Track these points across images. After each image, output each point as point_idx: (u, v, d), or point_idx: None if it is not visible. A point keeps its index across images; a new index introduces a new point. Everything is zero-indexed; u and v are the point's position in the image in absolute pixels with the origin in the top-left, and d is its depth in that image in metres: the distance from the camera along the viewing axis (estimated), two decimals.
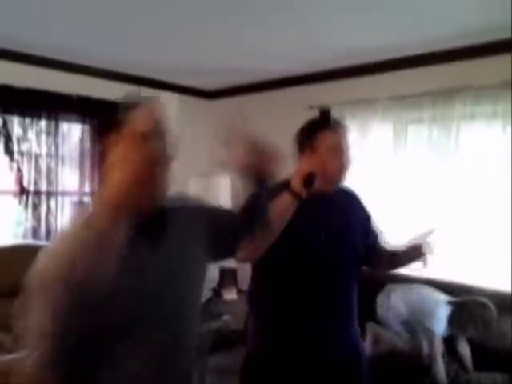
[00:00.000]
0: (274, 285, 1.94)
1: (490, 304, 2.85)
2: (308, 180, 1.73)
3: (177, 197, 1.49)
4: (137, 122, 1.27)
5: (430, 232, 2.05)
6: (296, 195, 1.72)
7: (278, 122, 4.51)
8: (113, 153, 1.20)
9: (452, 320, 2.88)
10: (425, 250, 2.02)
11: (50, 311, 1.13)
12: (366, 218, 2.10)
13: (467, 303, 2.90)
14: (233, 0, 2.75)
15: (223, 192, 4.40)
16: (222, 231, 1.53)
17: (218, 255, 1.60)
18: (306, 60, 3.88)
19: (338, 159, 1.88)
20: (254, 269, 2.02)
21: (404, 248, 2.06)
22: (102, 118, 1.38)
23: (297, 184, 1.73)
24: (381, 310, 3.18)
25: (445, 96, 3.40)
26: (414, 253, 2.04)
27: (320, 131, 1.91)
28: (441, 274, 3.26)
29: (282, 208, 1.70)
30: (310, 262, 1.86)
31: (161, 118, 1.31)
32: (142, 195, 1.16)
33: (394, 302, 3.12)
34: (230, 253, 1.64)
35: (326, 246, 1.87)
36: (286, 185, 1.78)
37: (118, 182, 1.15)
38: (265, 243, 1.69)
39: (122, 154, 1.18)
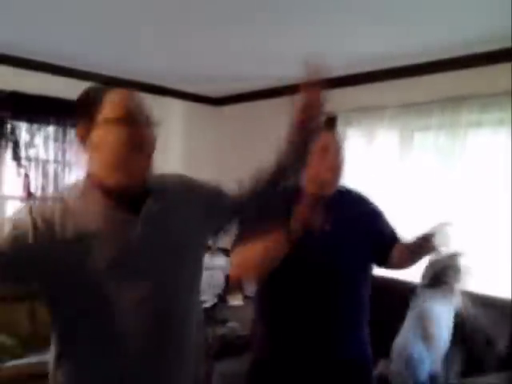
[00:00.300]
0: (277, 292, 1.94)
1: (460, 254, 2.87)
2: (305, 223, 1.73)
3: (170, 177, 1.51)
4: (110, 106, 1.29)
5: (446, 224, 1.97)
6: (291, 240, 1.72)
7: (285, 129, 4.52)
8: (90, 138, 1.30)
9: (424, 276, 2.91)
10: (438, 240, 1.94)
11: None
12: (375, 217, 2.07)
13: (437, 259, 2.88)
14: (240, 8, 2.76)
15: None
16: (217, 208, 1.55)
17: (215, 231, 1.62)
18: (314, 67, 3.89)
19: (328, 160, 1.89)
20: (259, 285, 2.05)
21: (416, 240, 1.98)
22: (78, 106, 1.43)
23: (294, 229, 1.71)
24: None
25: (452, 103, 3.39)
26: (427, 245, 1.96)
27: None
28: None
29: (274, 250, 1.74)
30: (309, 269, 1.86)
31: (135, 104, 1.33)
32: (120, 177, 1.27)
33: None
34: (224, 228, 1.65)
35: (325, 252, 1.87)
36: (297, 190, 1.86)
37: (96, 165, 1.30)
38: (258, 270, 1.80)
39: (98, 139, 1.28)
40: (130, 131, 1.27)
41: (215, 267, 4.15)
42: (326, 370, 1.89)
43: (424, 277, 2.96)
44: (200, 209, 1.47)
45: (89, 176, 1.34)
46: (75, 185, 1.37)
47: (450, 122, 3.42)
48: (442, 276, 2.92)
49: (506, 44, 3.09)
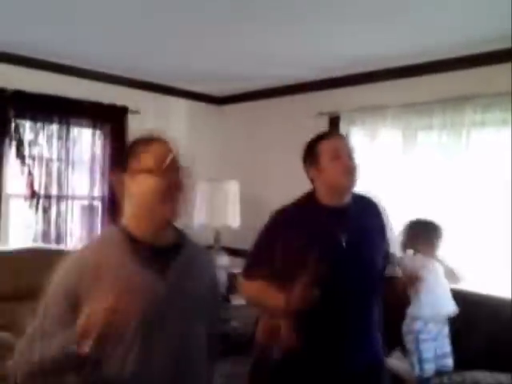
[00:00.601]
0: None
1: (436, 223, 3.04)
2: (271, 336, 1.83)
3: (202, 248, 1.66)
4: (146, 156, 1.38)
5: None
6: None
7: (288, 129, 4.52)
8: (124, 188, 1.40)
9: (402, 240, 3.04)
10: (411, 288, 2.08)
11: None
12: (384, 231, 2.07)
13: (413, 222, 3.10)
14: (243, 7, 2.77)
15: (232, 197, 4.41)
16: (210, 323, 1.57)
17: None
18: (316, 67, 3.89)
19: (342, 166, 1.90)
20: None
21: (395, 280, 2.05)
22: (118, 153, 1.53)
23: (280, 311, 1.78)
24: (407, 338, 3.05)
25: (455, 103, 3.39)
26: (400, 288, 2.05)
27: (319, 143, 1.97)
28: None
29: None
30: (331, 282, 1.78)
31: (171, 156, 1.40)
32: (152, 223, 1.39)
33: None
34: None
35: (346, 266, 1.86)
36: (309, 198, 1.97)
37: (130, 212, 1.41)
38: None
39: (132, 189, 1.39)
40: (163, 180, 1.36)
41: (218, 267, 4.15)
42: (333, 380, 1.90)
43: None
44: (208, 298, 1.54)
45: (121, 227, 1.43)
46: (109, 236, 1.45)
47: (453, 122, 3.42)
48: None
49: (509, 44, 3.09)
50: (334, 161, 1.90)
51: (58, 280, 1.35)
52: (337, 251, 1.86)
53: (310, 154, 1.99)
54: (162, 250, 1.40)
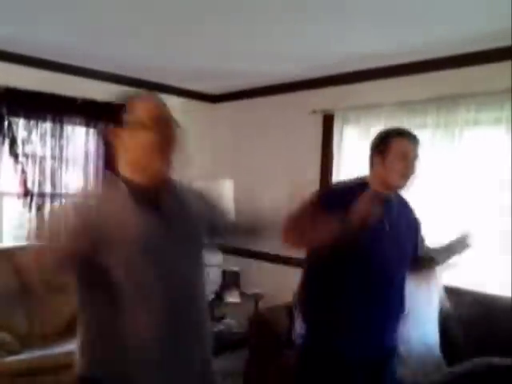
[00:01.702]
0: (337, 282, 2.03)
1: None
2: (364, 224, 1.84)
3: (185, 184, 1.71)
4: (137, 111, 1.48)
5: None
6: (346, 229, 1.81)
7: (282, 127, 4.53)
8: (118, 140, 1.50)
9: None
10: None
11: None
12: (418, 226, 2.27)
13: None
14: (237, 5, 2.77)
15: (226, 195, 4.41)
16: (215, 221, 1.75)
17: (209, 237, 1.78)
18: (310, 65, 3.90)
19: (404, 167, 2.02)
20: (311, 269, 2.13)
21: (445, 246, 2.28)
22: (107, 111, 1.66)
23: (355, 222, 1.81)
24: None
25: (449, 102, 3.40)
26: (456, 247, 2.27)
27: (393, 138, 2.05)
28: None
29: (329, 230, 1.82)
30: (372, 260, 1.98)
31: (160, 109, 1.52)
32: (141, 174, 1.49)
33: None
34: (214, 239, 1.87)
35: (387, 247, 2.02)
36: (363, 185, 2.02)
37: (125, 164, 1.51)
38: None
39: (126, 142, 1.48)
40: (156, 134, 1.45)
41: (212, 264, 4.16)
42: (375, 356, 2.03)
43: None
44: (205, 213, 1.69)
45: (118, 173, 1.54)
46: (108, 180, 1.57)
47: (446, 121, 3.44)
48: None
49: (503, 42, 3.11)
50: (399, 161, 2.01)
51: (74, 213, 1.42)
52: (381, 233, 2.01)
53: (382, 144, 2.07)
54: (156, 191, 1.52)
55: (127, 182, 1.50)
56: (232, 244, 1.94)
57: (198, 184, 1.81)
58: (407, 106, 3.61)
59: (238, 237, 1.89)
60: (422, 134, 3.56)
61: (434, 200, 3.48)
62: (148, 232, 1.45)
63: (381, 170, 2.05)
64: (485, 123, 3.31)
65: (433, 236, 3.43)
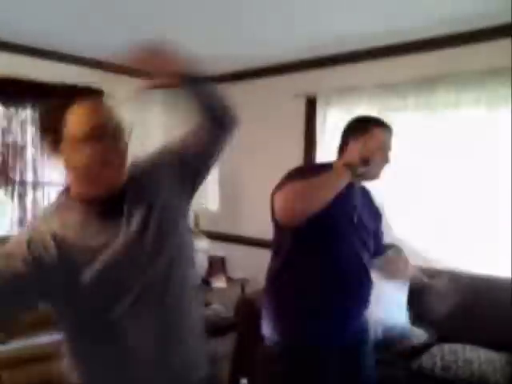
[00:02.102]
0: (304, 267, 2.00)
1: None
2: (365, 160, 1.89)
3: (141, 164, 1.51)
4: (75, 123, 1.31)
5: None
6: (352, 170, 1.86)
7: (265, 111, 4.52)
8: (59, 153, 1.34)
9: None
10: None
11: None
12: (380, 217, 2.25)
13: None
14: None
15: (211, 180, 4.39)
16: (190, 156, 1.57)
17: (200, 174, 1.64)
18: (291, 48, 3.88)
19: (382, 157, 2.01)
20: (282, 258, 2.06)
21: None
22: (41, 116, 1.50)
23: (355, 160, 1.88)
24: None
25: (429, 83, 3.42)
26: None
27: (374, 127, 2.03)
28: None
29: (334, 179, 1.85)
30: (341, 244, 1.98)
31: (99, 118, 1.33)
32: (92, 189, 1.35)
33: None
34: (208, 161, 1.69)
35: (355, 231, 2.02)
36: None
37: (70, 179, 1.38)
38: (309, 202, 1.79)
39: (67, 157, 1.33)
40: (95, 147, 1.29)
41: (198, 250, 4.16)
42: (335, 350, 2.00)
43: None
44: (171, 177, 1.50)
45: (67, 189, 1.41)
46: (58, 199, 1.43)
47: (427, 102, 3.45)
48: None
49: (483, 23, 3.12)
50: (378, 151, 1.99)
51: (19, 241, 1.29)
52: (350, 224, 2.00)
53: (362, 131, 2.03)
54: (114, 201, 1.37)
55: (80, 198, 1.36)
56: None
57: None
58: (388, 87, 3.62)
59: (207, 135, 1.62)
60: (402, 116, 3.64)
61: (414, 182, 3.52)
62: (114, 251, 1.31)
63: (357, 158, 1.99)
64: (464, 104, 3.32)
65: (412, 218, 3.51)
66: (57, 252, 1.27)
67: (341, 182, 1.84)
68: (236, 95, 5.11)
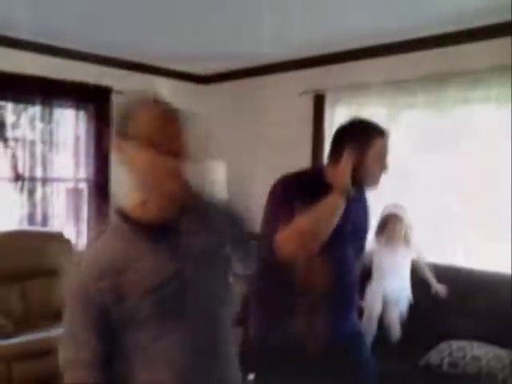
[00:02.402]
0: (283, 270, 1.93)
1: (402, 215, 3.26)
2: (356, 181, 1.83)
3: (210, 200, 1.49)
4: (148, 127, 1.23)
5: None
6: (346, 196, 1.79)
7: (274, 107, 4.52)
8: (125, 155, 1.25)
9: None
10: None
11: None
12: (368, 216, 2.18)
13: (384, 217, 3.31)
14: None
15: (218, 177, 4.41)
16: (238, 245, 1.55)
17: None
18: (300, 45, 3.87)
19: (381, 167, 1.94)
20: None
21: None
22: (112, 116, 1.35)
23: (343, 183, 1.79)
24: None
25: (438, 80, 3.41)
26: None
27: (374, 137, 1.92)
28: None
29: (332, 210, 1.78)
30: (334, 257, 1.89)
31: (167, 117, 1.28)
32: (159, 202, 1.27)
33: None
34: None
35: (345, 243, 1.96)
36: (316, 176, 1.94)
37: (132, 188, 1.28)
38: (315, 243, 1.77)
39: (138, 163, 1.23)
40: (167, 154, 1.22)
41: None
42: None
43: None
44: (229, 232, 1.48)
45: (118, 210, 1.32)
46: (116, 228, 1.33)
47: (436, 99, 3.44)
48: (385, 222, 3.28)
49: (493, 19, 3.11)
50: (378, 161, 1.92)
51: (76, 287, 1.26)
52: (341, 238, 1.91)
53: (360, 140, 1.90)
54: (171, 228, 1.30)
55: (134, 220, 1.28)
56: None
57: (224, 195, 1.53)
58: (398, 84, 3.61)
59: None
60: (412, 113, 3.64)
61: (424, 180, 3.52)
62: (165, 279, 1.26)
63: (354, 167, 1.88)
64: (474, 101, 3.31)
65: (423, 214, 3.51)
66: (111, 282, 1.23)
67: (339, 210, 1.78)
68: (245, 92, 5.14)
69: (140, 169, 1.24)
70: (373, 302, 3.20)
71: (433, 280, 3.18)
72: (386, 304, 3.19)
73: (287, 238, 1.78)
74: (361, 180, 1.92)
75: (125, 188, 1.29)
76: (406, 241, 3.26)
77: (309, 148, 4.20)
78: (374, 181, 1.97)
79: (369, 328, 3.12)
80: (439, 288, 3.15)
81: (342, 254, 1.96)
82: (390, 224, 3.26)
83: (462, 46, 3.35)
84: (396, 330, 3.13)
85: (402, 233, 3.24)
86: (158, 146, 1.21)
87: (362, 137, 1.91)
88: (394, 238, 3.24)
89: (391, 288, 3.22)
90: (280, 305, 1.96)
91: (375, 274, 3.29)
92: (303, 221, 1.76)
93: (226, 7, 3.12)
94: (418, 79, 3.50)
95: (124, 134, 1.24)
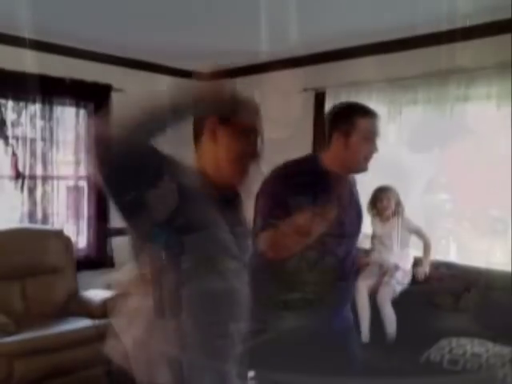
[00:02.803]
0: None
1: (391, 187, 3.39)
2: None
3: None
4: (244, 117, 1.46)
5: None
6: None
7: (274, 105, 4.50)
8: (214, 137, 1.45)
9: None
10: None
11: None
12: (360, 208, 2.17)
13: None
14: None
15: None
16: None
17: None
18: (300, 42, 3.86)
19: (369, 148, 1.90)
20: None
21: None
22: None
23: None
24: None
25: (439, 78, 3.40)
26: None
27: (359, 117, 1.89)
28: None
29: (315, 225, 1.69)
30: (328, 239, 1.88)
31: (259, 117, 1.50)
32: (219, 182, 1.42)
33: None
34: None
35: (345, 225, 1.95)
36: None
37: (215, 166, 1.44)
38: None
39: (225, 144, 1.43)
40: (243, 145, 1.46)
41: None
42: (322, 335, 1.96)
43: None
44: None
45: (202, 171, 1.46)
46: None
47: (437, 96, 3.44)
48: (375, 194, 3.41)
49: (493, 17, 3.10)
50: (365, 143, 1.88)
51: None
52: (341, 221, 1.91)
53: (345, 123, 1.90)
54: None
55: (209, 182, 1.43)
56: None
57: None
58: (398, 82, 3.61)
59: None
60: (413, 110, 3.64)
61: (425, 175, 3.52)
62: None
63: (342, 151, 1.90)
64: (475, 99, 3.31)
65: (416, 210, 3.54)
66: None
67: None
68: (246, 89, 5.09)
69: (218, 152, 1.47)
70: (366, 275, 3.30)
71: (426, 260, 3.26)
72: (380, 296, 3.24)
73: (272, 243, 1.78)
74: (348, 163, 1.90)
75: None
76: (398, 211, 3.34)
77: (309, 146, 4.19)
78: (363, 165, 1.93)
79: (363, 314, 3.20)
80: (420, 270, 3.25)
81: (334, 249, 1.95)
82: (380, 195, 3.37)
83: (463, 44, 3.35)
84: (392, 320, 3.15)
85: (393, 202, 3.32)
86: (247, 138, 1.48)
87: (346, 119, 1.90)
88: (385, 207, 3.33)
89: (387, 257, 3.32)
90: (275, 299, 1.96)
91: (372, 245, 3.43)
92: (289, 229, 1.69)
93: (226, 5, 3.11)
94: (418, 76, 3.50)
95: (224, 121, 1.49)
